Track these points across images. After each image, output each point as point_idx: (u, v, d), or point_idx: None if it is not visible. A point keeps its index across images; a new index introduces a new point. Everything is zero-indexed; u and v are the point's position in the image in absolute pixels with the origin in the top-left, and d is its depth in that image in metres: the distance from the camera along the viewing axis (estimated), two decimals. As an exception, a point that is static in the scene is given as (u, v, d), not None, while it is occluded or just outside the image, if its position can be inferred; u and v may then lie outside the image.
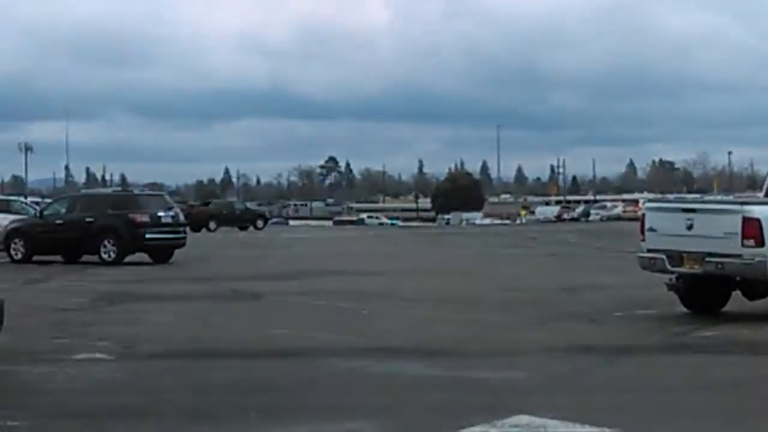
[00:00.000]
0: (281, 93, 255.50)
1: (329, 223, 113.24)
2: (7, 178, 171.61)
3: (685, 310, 17.46)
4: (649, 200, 23.39)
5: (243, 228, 75.85)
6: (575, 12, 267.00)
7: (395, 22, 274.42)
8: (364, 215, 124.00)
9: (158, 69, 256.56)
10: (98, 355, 13.44)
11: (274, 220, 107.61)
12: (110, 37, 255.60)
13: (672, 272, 17.17)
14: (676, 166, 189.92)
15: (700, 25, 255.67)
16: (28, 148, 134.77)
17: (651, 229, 17.37)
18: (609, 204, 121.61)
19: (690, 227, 16.62)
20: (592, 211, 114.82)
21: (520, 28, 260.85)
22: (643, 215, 17.92)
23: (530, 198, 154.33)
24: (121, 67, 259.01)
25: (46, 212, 35.94)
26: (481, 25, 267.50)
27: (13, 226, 35.08)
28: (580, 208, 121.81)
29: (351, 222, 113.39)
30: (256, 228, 76.64)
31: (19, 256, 33.68)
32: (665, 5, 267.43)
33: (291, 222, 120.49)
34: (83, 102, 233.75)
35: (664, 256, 17.00)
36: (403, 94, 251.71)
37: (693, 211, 17.04)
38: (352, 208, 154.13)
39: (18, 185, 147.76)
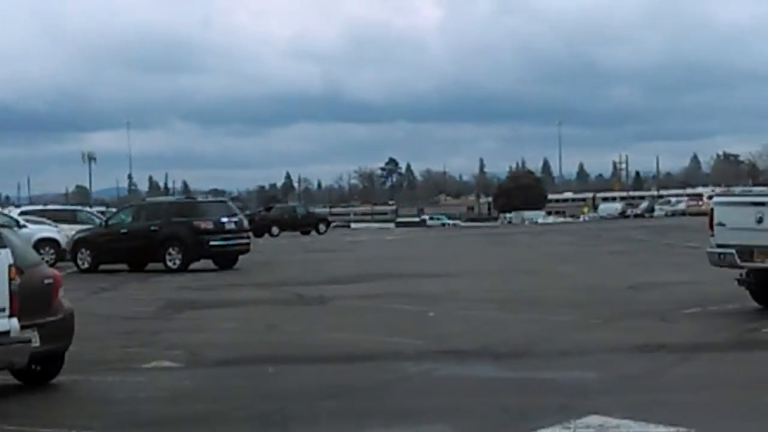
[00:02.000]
0: (334, 97, 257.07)
1: (391, 225, 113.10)
2: (72, 189, 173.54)
3: (756, 305, 17.21)
4: (717, 194, 23.08)
5: (305, 232, 76.05)
6: (625, 6, 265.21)
7: (445, 22, 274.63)
8: (425, 216, 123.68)
9: (210, 76, 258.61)
10: (167, 363, 13.50)
11: (336, 223, 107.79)
12: (160, 45, 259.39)
13: (742, 267, 16.93)
14: (741, 158, 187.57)
15: (753, 16, 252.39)
16: (91, 158, 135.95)
17: (720, 224, 17.13)
18: (673, 199, 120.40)
19: (760, 221, 16.37)
20: (657, 207, 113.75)
21: (570, 24, 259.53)
22: (712, 210, 17.67)
23: (596, 194, 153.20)
24: (174, 74, 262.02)
25: (111, 221, 36.27)
26: (531, 21, 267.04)
27: (79, 236, 35.45)
28: (643, 204, 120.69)
29: (413, 224, 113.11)
30: (318, 232, 76.80)
31: (86, 265, 34.02)
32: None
33: (353, 225, 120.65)
34: (140, 111, 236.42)
35: (733, 251, 16.77)
36: (457, 93, 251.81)
37: (763, 204, 16.77)
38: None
39: (83, 195, 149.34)
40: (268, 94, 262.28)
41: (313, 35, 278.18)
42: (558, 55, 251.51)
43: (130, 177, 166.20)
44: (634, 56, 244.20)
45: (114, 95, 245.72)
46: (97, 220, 40.21)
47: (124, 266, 33.71)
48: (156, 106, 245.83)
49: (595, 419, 9.12)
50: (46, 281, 12.09)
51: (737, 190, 24.70)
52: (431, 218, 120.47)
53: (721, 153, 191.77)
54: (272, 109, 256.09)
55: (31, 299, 11.29)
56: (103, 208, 65.93)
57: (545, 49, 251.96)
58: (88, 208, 56.00)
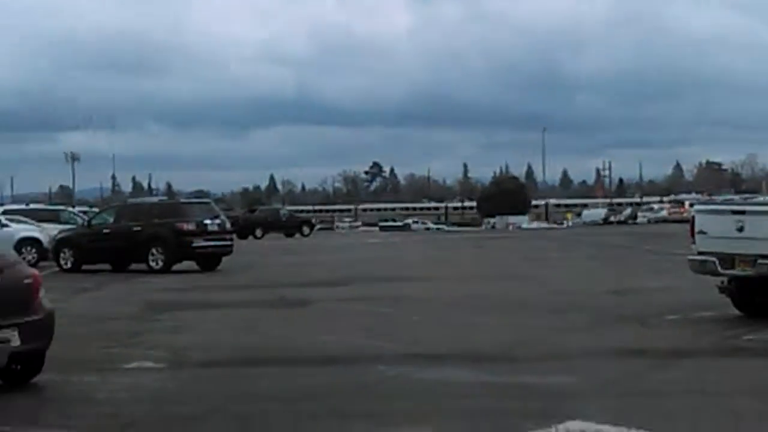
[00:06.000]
0: (309, 101, 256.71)
1: (375, 228, 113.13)
2: (55, 189, 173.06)
3: (737, 312, 17.28)
4: (699, 202, 23.18)
5: (289, 235, 76.03)
6: (595, 13, 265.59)
7: (415, 28, 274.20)
8: (410, 220, 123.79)
9: (182, 78, 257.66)
10: (148, 364, 13.49)
11: (320, 225, 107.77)
12: (133, 48, 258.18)
13: (723, 275, 17.00)
14: (724, 167, 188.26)
15: (725, 25, 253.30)
16: (75, 158, 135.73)
17: (701, 232, 17.20)
18: (656, 206, 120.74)
19: (741, 229, 16.43)
20: (640, 214, 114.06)
21: (540, 31, 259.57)
22: (693, 217, 17.74)
23: (576, 201, 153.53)
24: (147, 77, 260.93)
25: (94, 222, 36.24)
26: (500, 28, 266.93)
27: (62, 235, 35.42)
28: (626, 211, 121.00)
29: (397, 227, 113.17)
30: (302, 234, 76.81)
31: (68, 265, 33.97)
32: (686, 5, 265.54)
33: (337, 228, 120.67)
34: (116, 113, 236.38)
35: (715, 259, 16.84)
36: (430, 99, 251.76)
37: (743, 212, 16.85)
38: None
39: (66, 195, 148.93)
40: (243, 98, 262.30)
41: (284, 40, 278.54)
42: (528, 62, 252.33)
43: (113, 177, 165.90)
44: (603, 63, 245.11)
45: (90, 97, 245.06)
46: (80, 220, 40.18)
47: (106, 266, 33.65)
48: (131, 108, 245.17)
49: (575, 424, 9.15)
50: (26, 281, 12.04)
51: (719, 198, 24.82)
52: (415, 222, 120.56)
53: (703, 161, 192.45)
54: (248, 112, 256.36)
55: (10, 299, 11.27)
56: (86, 208, 65.69)
57: (515, 55, 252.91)
58: (71, 208, 55.85)
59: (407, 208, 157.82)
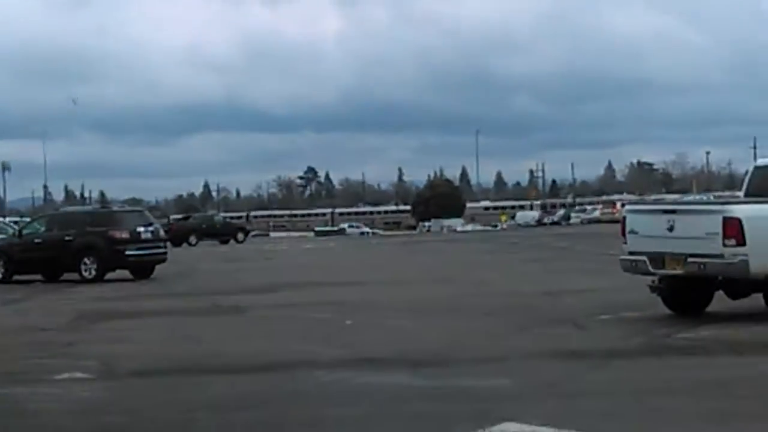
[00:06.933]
0: (237, 107, 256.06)
1: (311, 234, 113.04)
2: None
3: (668, 311, 17.44)
4: (630, 202, 23.39)
5: (224, 241, 75.72)
6: (521, 16, 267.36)
7: (343, 33, 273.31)
8: (344, 225, 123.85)
9: (109, 85, 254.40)
10: (80, 375, 13.32)
11: (255, 232, 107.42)
12: (57, 55, 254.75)
13: (654, 274, 17.15)
14: (655, 167, 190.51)
15: (650, 27, 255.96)
16: (5, 168, 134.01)
17: (632, 232, 17.36)
18: (589, 207, 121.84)
19: (671, 228, 16.60)
20: (573, 215, 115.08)
21: (468, 34, 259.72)
22: (624, 218, 17.89)
23: (510, 203, 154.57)
24: (73, 84, 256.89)
25: (24, 231, 35.76)
26: (430, 31, 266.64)
27: (-8, 246, 34.89)
28: (560, 212, 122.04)
29: (332, 232, 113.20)
30: (237, 241, 76.54)
31: (-1, 276, 33.50)
32: (611, 7, 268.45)
33: (272, 233, 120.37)
34: (43, 121, 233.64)
35: (645, 258, 16.99)
36: (360, 104, 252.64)
37: (673, 212, 17.03)
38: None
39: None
40: (170, 104, 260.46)
41: (210, 45, 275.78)
42: (458, 65, 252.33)
43: (45, 186, 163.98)
44: (533, 66, 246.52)
45: (15, 105, 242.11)
46: (11, 230, 39.63)
47: (38, 277, 33.25)
48: (59, 116, 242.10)
49: (509, 426, 9.17)
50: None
51: (650, 198, 25.12)
52: (350, 227, 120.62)
53: (635, 161, 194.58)
54: (175, 118, 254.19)
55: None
56: (17, 218, 64.92)
57: (445, 59, 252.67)
58: (1, 218, 55.13)
59: (343, 213, 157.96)
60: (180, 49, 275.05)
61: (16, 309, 23.83)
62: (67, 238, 33.08)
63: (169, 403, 11.27)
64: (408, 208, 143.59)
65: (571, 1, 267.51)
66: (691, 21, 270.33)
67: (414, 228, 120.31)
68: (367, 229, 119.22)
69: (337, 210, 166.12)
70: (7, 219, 57.37)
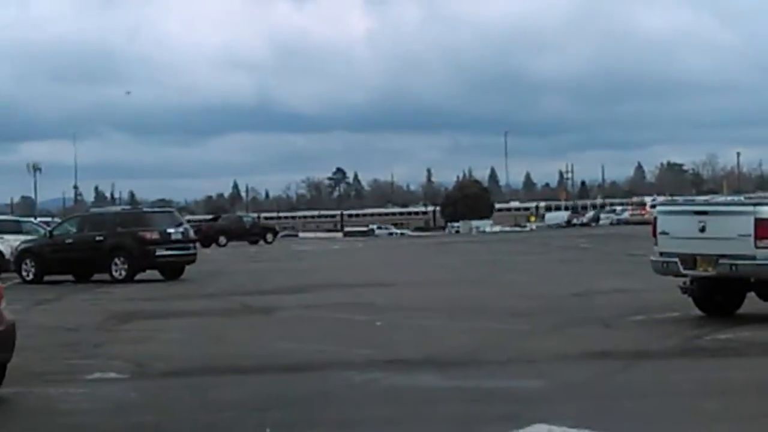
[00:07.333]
0: (268, 107, 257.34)
1: (339, 234, 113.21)
2: (16, 199, 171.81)
3: (700, 313, 17.37)
4: (661, 203, 23.27)
5: (253, 242, 75.86)
6: (552, 15, 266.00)
7: (373, 33, 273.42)
8: (373, 226, 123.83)
9: (140, 86, 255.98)
10: (112, 375, 13.38)
11: (284, 232, 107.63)
12: (89, 56, 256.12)
13: (685, 275, 17.08)
14: (685, 168, 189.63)
15: (681, 26, 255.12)
16: (36, 169, 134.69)
17: (663, 233, 17.28)
18: (618, 208, 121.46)
19: (702, 229, 16.52)
20: (602, 216, 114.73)
21: (499, 33, 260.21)
22: (655, 218, 17.82)
23: (539, 204, 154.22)
24: (104, 85, 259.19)
25: (56, 232, 35.94)
26: (461, 30, 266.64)
27: (23, 246, 35.09)
28: (589, 213, 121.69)
29: (361, 233, 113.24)
30: (266, 242, 76.65)
31: (31, 276, 33.68)
32: (642, 6, 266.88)
33: (301, 234, 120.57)
34: (74, 122, 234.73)
35: (677, 259, 16.92)
36: (391, 104, 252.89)
37: (705, 213, 16.95)
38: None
39: (28, 206, 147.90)
40: (201, 105, 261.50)
41: (242, 46, 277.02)
42: (488, 65, 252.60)
43: (75, 187, 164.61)
44: (563, 65, 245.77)
45: (46, 106, 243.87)
46: (42, 231, 39.84)
47: (69, 277, 33.41)
48: (89, 117, 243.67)
49: (541, 427, 9.14)
50: (-13, 293, 11.93)
51: (680, 199, 24.98)
52: (379, 228, 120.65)
53: (665, 162, 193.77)
54: (206, 119, 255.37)
55: (-29, 311, 11.13)
56: (48, 219, 65.23)
57: (475, 58, 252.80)
58: (32, 219, 55.44)
59: (372, 214, 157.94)
60: (210, 49, 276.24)
61: (47, 309, 23.94)
62: (98, 238, 33.23)
63: (200, 403, 11.30)
64: (436, 209, 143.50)
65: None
66: (723, 20, 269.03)
67: (443, 229, 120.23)
68: (395, 230, 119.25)
69: (366, 211, 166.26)
70: (38, 220, 57.60)
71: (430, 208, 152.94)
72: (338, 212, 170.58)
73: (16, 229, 42.06)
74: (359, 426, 9.86)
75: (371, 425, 9.89)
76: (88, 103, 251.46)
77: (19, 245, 35.56)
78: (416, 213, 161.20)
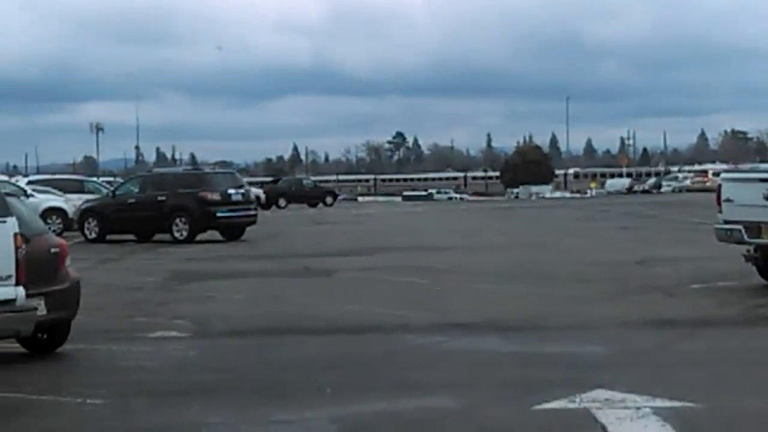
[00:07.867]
0: (324, 71, 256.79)
1: (398, 198, 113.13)
2: (79, 159, 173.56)
3: (763, 281, 17.17)
4: (725, 171, 22.99)
5: (313, 205, 76.10)
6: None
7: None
8: (432, 190, 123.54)
9: (197, 48, 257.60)
10: (173, 333, 13.53)
11: (343, 196, 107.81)
12: (155, 18, 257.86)
13: (749, 243, 16.88)
14: (749, 135, 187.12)
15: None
16: (99, 129, 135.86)
17: (727, 200, 17.08)
18: (680, 176, 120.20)
19: (768, 197, 16.30)
20: (664, 183, 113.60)
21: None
22: (719, 186, 17.61)
23: (600, 170, 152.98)
24: (161, 46, 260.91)
25: (118, 192, 36.25)
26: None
27: (86, 206, 35.47)
28: (651, 180, 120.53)
29: (420, 197, 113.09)
30: (325, 204, 76.88)
31: (93, 235, 34.04)
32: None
33: (360, 198, 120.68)
34: (132, 83, 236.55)
35: (741, 227, 16.72)
36: (448, 68, 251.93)
37: (771, 180, 16.72)
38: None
39: (90, 166, 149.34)
40: (258, 67, 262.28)
41: (298, 8, 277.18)
42: (548, 30, 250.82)
43: (137, 148, 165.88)
44: (625, 31, 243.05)
45: (108, 68, 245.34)
46: (105, 191, 40.23)
47: (131, 236, 33.74)
48: (150, 78, 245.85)
49: (600, 393, 9.11)
50: (53, 250, 12.09)
51: (745, 167, 24.67)
52: (438, 192, 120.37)
53: (728, 130, 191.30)
54: (263, 81, 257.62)
55: (38, 268, 11.28)
56: (110, 179, 65.88)
57: (535, 23, 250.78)
58: (95, 179, 56.00)
59: (428, 179, 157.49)
60: (268, 11, 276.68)
61: (110, 268, 24.21)
62: (159, 198, 33.49)
63: (261, 363, 11.39)
64: (497, 174, 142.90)
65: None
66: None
67: (502, 194, 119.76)
68: (455, 195, 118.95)
69: (426, 175, 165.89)
70: (101, 179, 58.18)
71: (491, 173, 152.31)
72: (372, 177, 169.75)
73: (79, 188, 42.57)
74: (419, 389, 9.87)
75: (431, 388, 9.89)
76: (149, 65, 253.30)
77: (82, 204, 35.94)
78: (479, 178, 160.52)
